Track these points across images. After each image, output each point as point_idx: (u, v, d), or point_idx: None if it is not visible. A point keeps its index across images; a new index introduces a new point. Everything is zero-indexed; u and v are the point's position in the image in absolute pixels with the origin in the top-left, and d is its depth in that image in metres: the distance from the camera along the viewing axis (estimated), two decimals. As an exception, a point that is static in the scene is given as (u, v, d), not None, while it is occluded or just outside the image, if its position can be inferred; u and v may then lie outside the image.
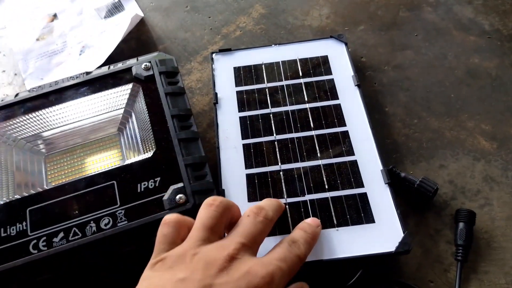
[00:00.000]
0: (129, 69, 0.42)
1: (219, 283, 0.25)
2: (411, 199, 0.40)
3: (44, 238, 0.33)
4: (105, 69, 0.42)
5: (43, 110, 0.40)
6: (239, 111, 0.43)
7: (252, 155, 0.40)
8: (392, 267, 0.37)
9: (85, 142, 0.40)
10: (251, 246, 0.28)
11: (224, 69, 0.46)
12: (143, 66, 0.42)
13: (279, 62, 0.46)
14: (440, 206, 0.40)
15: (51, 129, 0.41)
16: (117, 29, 0.51)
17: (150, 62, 0.42)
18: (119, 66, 0.43)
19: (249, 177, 0.38)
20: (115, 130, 0.40)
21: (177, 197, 0.34)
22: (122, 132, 0.40)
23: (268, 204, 0.32)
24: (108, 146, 0.40)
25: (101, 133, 0.40)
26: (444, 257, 0.37)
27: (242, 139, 0.41)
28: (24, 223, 0.34)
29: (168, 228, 0.29)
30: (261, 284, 0.25)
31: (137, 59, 0.43)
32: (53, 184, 0.37)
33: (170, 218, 0.30)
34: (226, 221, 0.30)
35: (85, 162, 0.39)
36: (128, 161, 0.37)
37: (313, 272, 0.34)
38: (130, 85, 0.41)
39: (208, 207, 0.30)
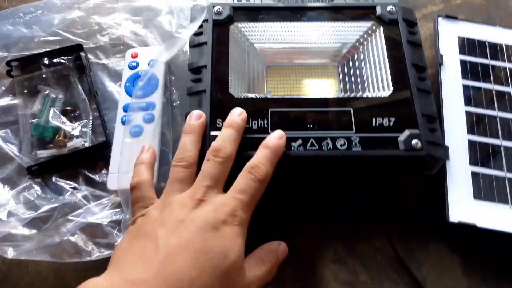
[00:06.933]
0: (373, 7, 0.42)
1: (190, 218, 0.29)
2: None
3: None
4: (351, 0, 0.43)
5: (285, 23, 0.42)
6: (463, 79, 0.43)
7: (474, 123, 0.40)
8: None
9: (305, 64, 0.42)
10: (215, 186, 0.32)
11: (447, 35, 0.46)
12: (388, 8, 0.42)
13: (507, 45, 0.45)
14: None
15: (283, 42, 0.42)
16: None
17: (395, 6, 0.42)
18: (363, 1, 0.43)
19: (471, 143, 0.39)
20: (335, 63, 0.42)
21: (413, 141, 0.35)
22: (343, 65, 0.42)
23: (223, 139, 0.34)
24: (325, 75, 0.42)
25: (323, 60, 0.42)
26: None
27: (465, 105, 0.41)
28: (265, 121, 0.37)
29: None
30: (226, 219, 0.29)
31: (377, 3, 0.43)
32: (272, 94, 0.40)
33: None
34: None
35: (301, 83, 0.41)
36: (358, 95, 0.39)
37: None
38: (369, 23, 0.42)
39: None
